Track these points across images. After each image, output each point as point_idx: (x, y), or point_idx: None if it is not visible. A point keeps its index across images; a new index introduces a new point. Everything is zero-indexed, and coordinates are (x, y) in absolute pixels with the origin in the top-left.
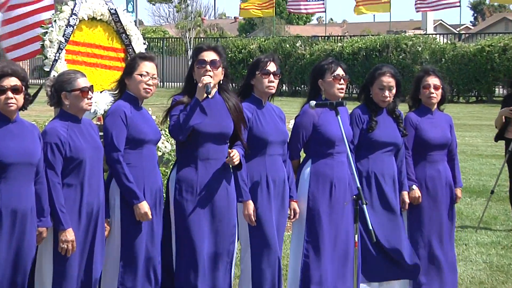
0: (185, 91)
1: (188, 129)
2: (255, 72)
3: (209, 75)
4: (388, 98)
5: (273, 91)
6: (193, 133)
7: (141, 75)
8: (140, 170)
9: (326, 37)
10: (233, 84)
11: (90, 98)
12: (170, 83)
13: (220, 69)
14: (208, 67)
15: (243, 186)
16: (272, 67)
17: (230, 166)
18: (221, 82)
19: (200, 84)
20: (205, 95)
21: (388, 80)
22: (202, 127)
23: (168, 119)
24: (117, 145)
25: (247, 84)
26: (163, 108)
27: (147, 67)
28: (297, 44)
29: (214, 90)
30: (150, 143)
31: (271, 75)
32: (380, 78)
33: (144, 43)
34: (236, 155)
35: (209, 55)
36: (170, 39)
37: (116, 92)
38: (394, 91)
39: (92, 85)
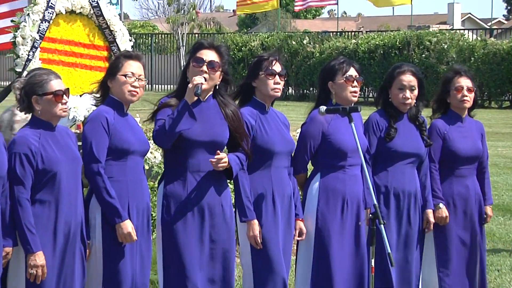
0: (177, 92)
1: (174, 135)
2: (257, 73)
3: (202, 76)
4: (410, 100)
5: (279, 94)
6: (181, 141)
7: (125, 75)
8: (124, 185)
9: (338, 33)
10: (232, 87)
11: (65, 103)
12: (160, 86)
13: (218, 72)
14: (205, 67)
15: (246, 203)
16: (277, 67)
17: (228, 182)
18: (217, 86)
19: (190, 85)
20: (196, 97)
21: (409, 79)
22: (191, 134)
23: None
24: (97, 155)
25: (246, 85)
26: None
27: (133, 67)
28: (305, 41)
29: (209, 94)
30: (135, 154)
31: (277, 76)
32: (399, 77)
33: (130, 40)
34: (224, 159)
35: (209, 55)
36: (160, 35)
37: (98, 96)
38: (416, 92)
39: (67, 88)
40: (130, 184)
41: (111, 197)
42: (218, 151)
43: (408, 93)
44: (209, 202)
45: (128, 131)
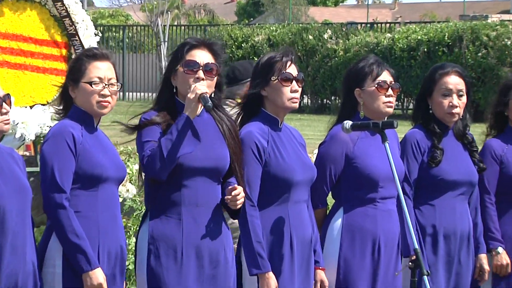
0: (160, 106)
1: (175, 161)
2: (268, 78)
3: (202, 84)
4: (458, 109)
5: (297, 105)
6: (176, 168)
7: (91, 83)
8: (94, 222)
9: (368, 25)
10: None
11: (6, 113)
12: (135, 94)
13: (216, 77)
14: (201, 73)
15: (258, 250)
16: (293, 69)
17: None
18: (212, 94)
19: (191, 95)
20: (200, 111)
21: (455, 81)
22: (189, 159)
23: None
24: (61, 183)
25: (254, 95)
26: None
27: (100, 70)
28: (326, 35)
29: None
30: (109, 182)
31: (294, 82)
32: (443, 79)
33: (96, 34)
34: (242, 194)
35: (203, 56)
36: (135, 27)
37: (60, 108)
38: (465, 99)
39: (7, 94)
40: (101, 221)
41: (79, 237)
42: (236, 186)
43: (455, 100)
44: (210, 246)
45: (100, 152)
